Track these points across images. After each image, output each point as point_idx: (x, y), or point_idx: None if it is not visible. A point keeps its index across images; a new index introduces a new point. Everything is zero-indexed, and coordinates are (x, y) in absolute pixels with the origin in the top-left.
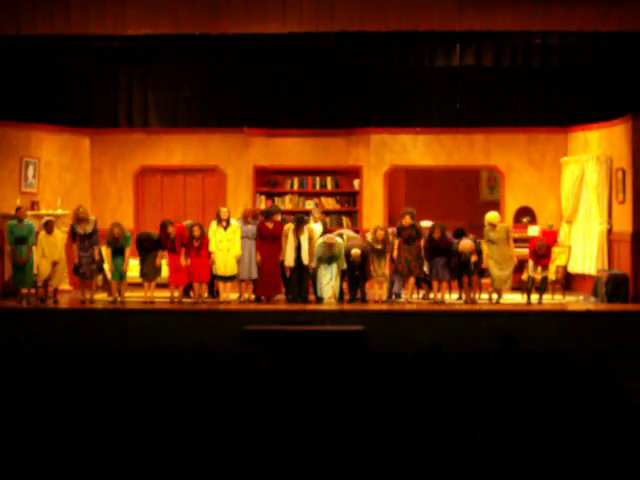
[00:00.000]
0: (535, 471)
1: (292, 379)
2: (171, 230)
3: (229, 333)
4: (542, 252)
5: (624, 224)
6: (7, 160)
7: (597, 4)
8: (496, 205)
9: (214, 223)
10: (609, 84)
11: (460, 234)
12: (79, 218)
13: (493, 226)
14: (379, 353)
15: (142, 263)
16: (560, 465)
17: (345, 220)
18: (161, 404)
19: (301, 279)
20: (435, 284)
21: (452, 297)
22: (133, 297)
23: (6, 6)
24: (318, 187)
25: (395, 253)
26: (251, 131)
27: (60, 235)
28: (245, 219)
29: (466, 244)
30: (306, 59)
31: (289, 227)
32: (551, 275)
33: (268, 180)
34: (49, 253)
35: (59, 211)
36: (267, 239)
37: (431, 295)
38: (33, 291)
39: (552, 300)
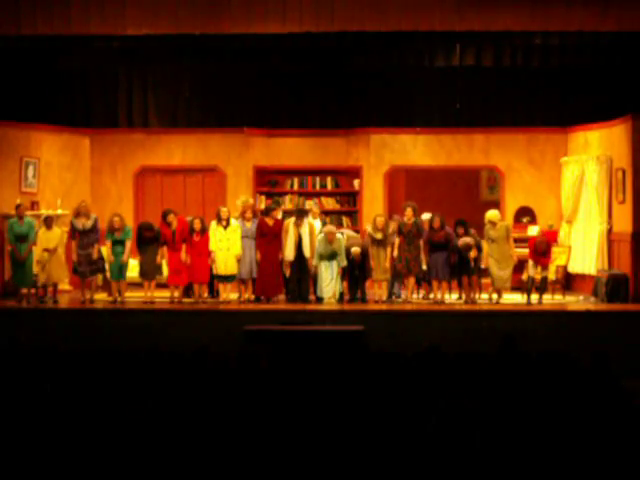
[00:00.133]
0: (535, 471)
1: (292, 379)
2: (172, 219)
3: (229, 333)
4: (542, 249)
5: (624, 224)
6: (7, 160)
7: (596, 4)
8: (496, 205)
9: (214, 223)
10: (609, 84)
11: (460, 223)
12: (79, 212)
13: (493, 224)
14: (379, 353)
15: (142, 260)
16: (560, 465)
17: (345, 220)
18: (161, 404)
19: (301, 279)
20: (435, 284)
21: (452, 297)
22: (133, 297)
23: (6, 6)
24: (318, 187)
25: (396, 252)
26: (251, 131)
27: (58, 231)
28: (243, 214)
29: (466, 239)
30: (306, 59)
31: (289, 222)
32: (551, 275)
33: (268, 180)
34: (45, 246)
35: (59, 211)
36: (267, 236)
37: (431, 295)
38: (33, 291)
39: (552, 300)
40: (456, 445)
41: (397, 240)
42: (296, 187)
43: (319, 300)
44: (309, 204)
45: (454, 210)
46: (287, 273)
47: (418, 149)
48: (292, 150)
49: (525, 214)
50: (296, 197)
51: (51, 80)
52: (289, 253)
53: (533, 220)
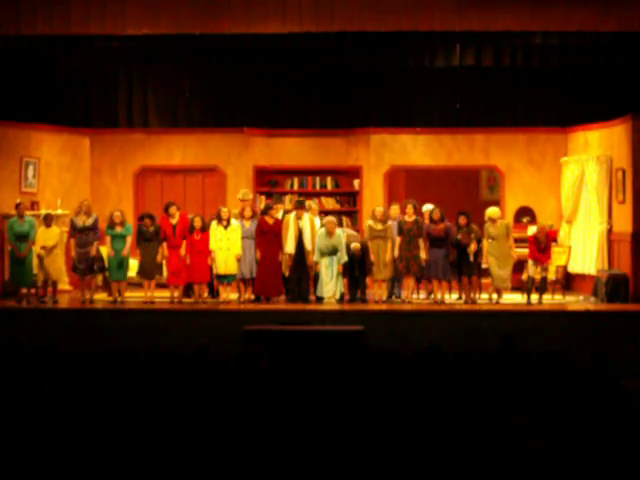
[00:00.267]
0: (536, 471)
1: (292, 379)
2: (174, 211)
3: (229, 333)
4: (542, 241)
5: (624, 224)
6: (7, 160)
7: (596, 4)
8: (496, 205)
9: (214, 222)
10: (609, 84)
11: (463, 213)
12: (81, 210)
13: (493, 221)
14: (379, 353)
15: (142, 259)
16: (561, 465)
17: (345, 220)
18: (161, 404)
19: (301, 279)
20: (435, 283)
21: (452, 297)
22: (133, 297)
23: (6, 6)
24: (318, 187)
25: (396, 252)
26: (251, 131)
27: (57, 230)
28: (242, 212)
29: (465, 233)
30: (306, 59)
31: (289, 216)
32: (551, 275)
33: (268, 180)
34: (44, 244)
35: (59, 211)
36: (267, 235)
37: (431, 295)
38: (33, 291)
39: (552, 300)
40: (456, 445)
41: (398, 240)
42: (296, 187)
43: (319, 300)
44: (309, 203)
45: (454, 210)
46: (287, 273)
47: (418, 149)
48: (292, 150)
49: (525, 214)
50: (296, 197)
51: (51, 80)
52: (290, 246)
53: (533, 220)
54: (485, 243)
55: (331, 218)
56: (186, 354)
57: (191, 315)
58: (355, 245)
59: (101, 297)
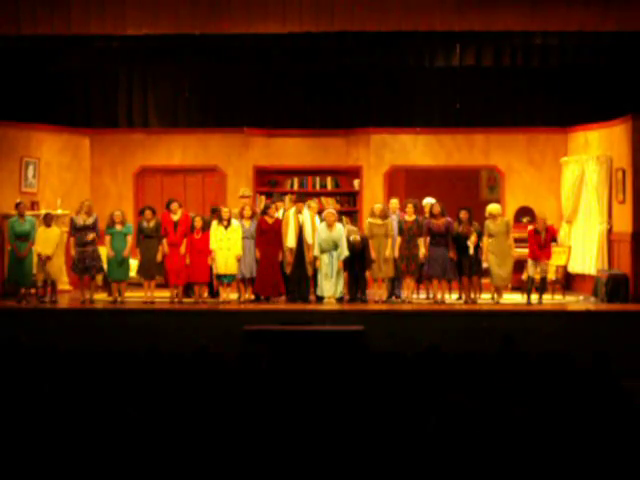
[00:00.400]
0: (536, 471)
1: (292, 379)
2: (175, 208)
3: (229, 333)
4: (541, 227)
5: (624, 224)
6: (7, 160)
7: (596, 4)
8: None
9: (215, 223)
10: (609, 84)
11: (464, 208)
12: (81, 209)
13: (494, 217)
14: (379, 353)
15: (142, 258)
16: (561, 465)
17: (345, 220)
18: (161, 404)
19: (301, 278)
20: (435, 283)
21: (452, 297)
22: (133, 297)
23: (6, 6)
24: (318, 187)
25: (397, 252)
26: (251, 131)
27: (57, 230)
28: (242, 212)
29: (466, 225)
30: (306, 59)
31: (289, 213)
32: (551, 275)
33: (268, 180)
34: (42, 247)
35: (59, 211)
36: (267, 234)
37: (431, 295)
38: (33, 291)
39: (552, 300)
40: (456, 445)
41: (399, 240)
42: (296, 187)
43: (319, 300)
44: (308, 203)
45: (454, 210)
46: (288, 270)
47: (418, 149)
48: (292, 150)
49: (525, 214)
50: (296, 197)
51: (51, 80)
52: (291, 241)
53: (533, 220)
54: (485, 241)
55: (331, 210)
56: (186, 354)
57: (191, 315)
58: (355, 237)
59: (101, 297)
